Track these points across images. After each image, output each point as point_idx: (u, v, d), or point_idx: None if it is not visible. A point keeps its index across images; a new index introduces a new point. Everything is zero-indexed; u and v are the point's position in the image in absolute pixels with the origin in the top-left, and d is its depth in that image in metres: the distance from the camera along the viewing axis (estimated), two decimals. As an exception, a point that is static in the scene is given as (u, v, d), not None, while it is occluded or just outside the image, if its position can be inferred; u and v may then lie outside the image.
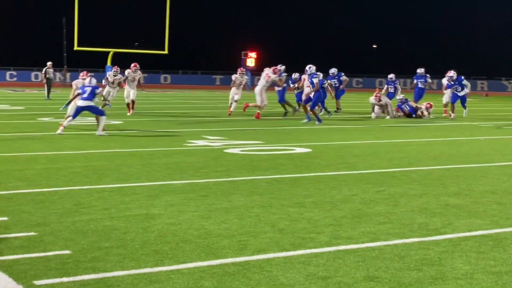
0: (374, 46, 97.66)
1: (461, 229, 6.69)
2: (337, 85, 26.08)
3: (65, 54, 71.06)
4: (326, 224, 6.79)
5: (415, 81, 27.41)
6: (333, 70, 26.32)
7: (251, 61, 66.80)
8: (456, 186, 9.29)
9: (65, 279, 4.89)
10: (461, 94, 23.85)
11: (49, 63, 35.10)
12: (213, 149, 13.35)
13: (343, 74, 26.40)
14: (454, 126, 21.08)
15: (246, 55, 67.65)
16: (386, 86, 27.67)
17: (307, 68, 21.12)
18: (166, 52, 44.59)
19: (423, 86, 27.14)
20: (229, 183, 9.24)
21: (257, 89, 22.20)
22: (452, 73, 23.97)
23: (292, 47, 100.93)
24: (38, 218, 6.80)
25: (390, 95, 26.56)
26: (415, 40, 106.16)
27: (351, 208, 7.64)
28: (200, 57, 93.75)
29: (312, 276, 5.08)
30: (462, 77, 24.18)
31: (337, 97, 26.11)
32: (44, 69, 35.35)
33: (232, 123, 20.13)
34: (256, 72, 63.46)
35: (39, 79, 53.46)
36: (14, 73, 65.36)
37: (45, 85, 34.94)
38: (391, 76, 27.42)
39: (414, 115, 24.24)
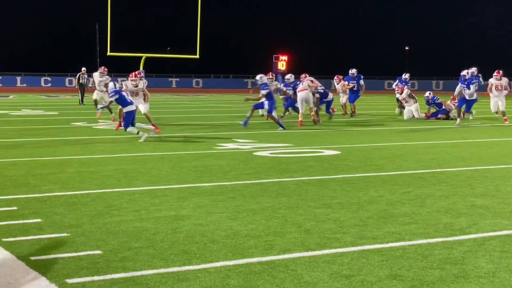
0: (407, 48, 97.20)
1: (486, 229, 6.74)
2: (354, 88, 25.76)
3: (98, 60, 71.89)
4: (351, 224, 6.89)
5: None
6: (353, 71, 25.92)
7: (282, 65, 66.90)
8: (484, 187, 9.32)
9: (96, 278, 5.06)
10: (468, 96, 21.81)
11: (83, 69, 35.62)
12: (243, 152, 13.49)
13: (362, 77, 26.01)
14: (485, 128, 20.98)
15: (277, 58, 67.78)
16: (396, 81, 26.58)
17: (257, 77, 19.85)
18: (197, 56, 44.88)
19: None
20: (257, 185, 9.37)
21: (305, 94, 20.96)
22: (465, 72, 22.27)
23: (324, 50, 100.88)
24: (70, 220, 7.00)
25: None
26: (449, 40, 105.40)
27: (377, 208, 7.72)
28: (232, 61, 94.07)
29: (336, 274, 5.19)
30: (474, 79, 21.77)
31: (352, 100, 25.85)
32: (78, 75, 35.90)
33: (262, 126, 20.26)
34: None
35: (73, 85, 54.14)
36: (49, 79, 66.33)
37: (79, 91, 35.51)
38: (406, 76, 26.15)
39: (440, 116, 24.16)
